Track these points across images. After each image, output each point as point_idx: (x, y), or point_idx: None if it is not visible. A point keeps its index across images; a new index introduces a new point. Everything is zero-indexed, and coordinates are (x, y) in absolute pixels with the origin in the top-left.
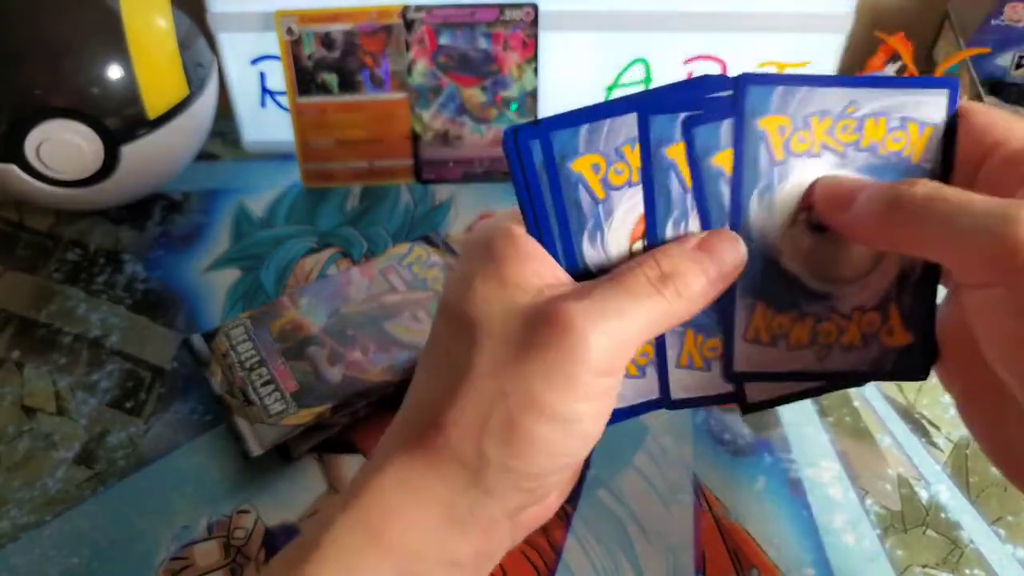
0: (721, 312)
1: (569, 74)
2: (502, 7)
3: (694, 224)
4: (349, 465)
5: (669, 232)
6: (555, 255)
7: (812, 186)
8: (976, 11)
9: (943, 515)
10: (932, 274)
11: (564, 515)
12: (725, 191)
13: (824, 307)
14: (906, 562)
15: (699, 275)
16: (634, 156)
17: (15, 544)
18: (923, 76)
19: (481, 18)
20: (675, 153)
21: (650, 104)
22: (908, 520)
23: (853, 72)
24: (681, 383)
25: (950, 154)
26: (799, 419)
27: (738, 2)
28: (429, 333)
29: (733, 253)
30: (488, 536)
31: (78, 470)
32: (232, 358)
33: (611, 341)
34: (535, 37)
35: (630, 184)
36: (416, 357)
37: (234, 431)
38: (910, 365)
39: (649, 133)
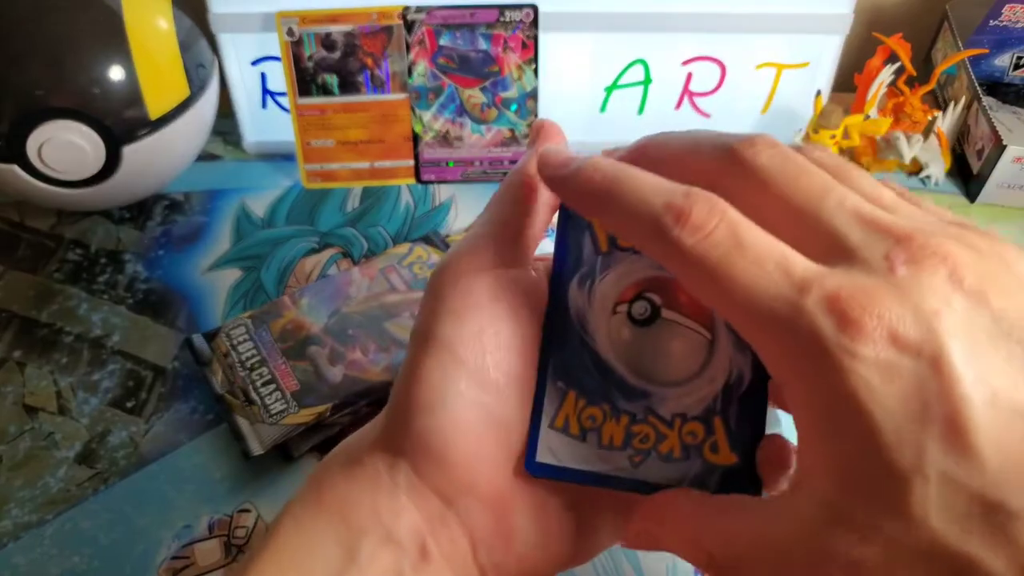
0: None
1: (569, 75)
2: (502, 8)
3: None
4: None
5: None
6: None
7: (628, 271)
8: (975, 12)
9: None
10: (760, 387)
11: None
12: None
13: (641, 407)
14: None
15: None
16: None
17: (16, 543)
18: None
19: (481, 19)
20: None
21: None
22: None
23: (852, 72)
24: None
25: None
26: None
27: (737, 2)
28: None
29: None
30: (423, 514)
31: (79, 469)
32: (233, 358)
33: (458, 258)
34: (535, 38)
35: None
36: None
37: (235, 430)
38: (738, 491)
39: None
